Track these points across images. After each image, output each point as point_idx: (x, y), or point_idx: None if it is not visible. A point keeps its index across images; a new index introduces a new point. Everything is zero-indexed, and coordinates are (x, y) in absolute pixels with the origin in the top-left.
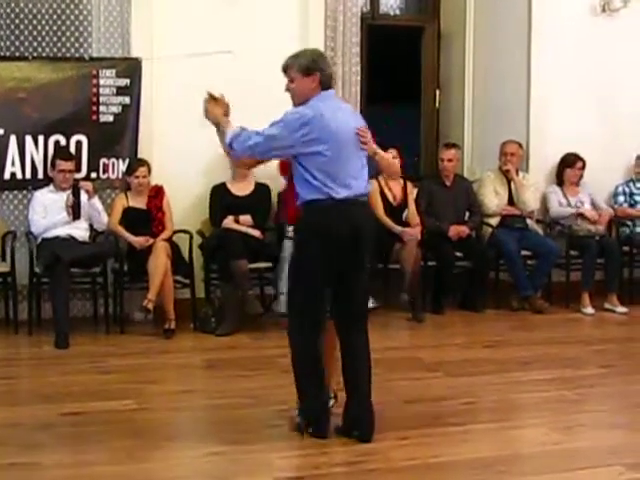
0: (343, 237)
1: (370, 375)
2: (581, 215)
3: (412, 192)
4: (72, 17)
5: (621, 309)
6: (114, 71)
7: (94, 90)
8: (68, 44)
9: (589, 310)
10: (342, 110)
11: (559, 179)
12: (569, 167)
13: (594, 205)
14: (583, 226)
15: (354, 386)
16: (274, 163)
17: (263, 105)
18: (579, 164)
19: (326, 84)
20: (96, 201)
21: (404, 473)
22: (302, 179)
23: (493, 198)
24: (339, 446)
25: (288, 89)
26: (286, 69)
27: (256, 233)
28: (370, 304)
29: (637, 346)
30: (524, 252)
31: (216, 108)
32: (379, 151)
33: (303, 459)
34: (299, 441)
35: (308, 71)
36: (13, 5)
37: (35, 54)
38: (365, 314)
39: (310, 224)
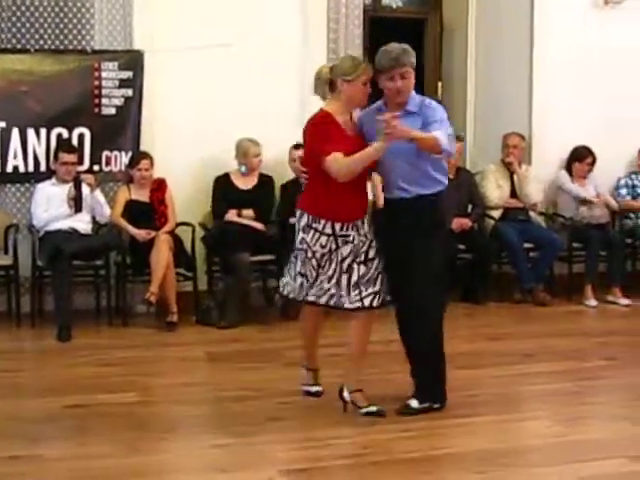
0: None
1: None
2: (583, 202)
3: None
4: (74, 9)
5: (624, 301)
6: (116, 64)
7: (96, 83)
8: (70, 36)
9: (592, 302)
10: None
11: (569, 172)
12: (578, 161)
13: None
14: (585, 213)
15: None
16: (282, 155)
17: (263, 96)
18: (589, 159)
19: None
20: (98, 194)
21: (406, 465)
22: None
23: (495, 190)
24: (342, 439)
25: (399, 84)
26: (404, 63)
27: (259, 226)
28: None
29: (639, 338)
30: (526, 244)
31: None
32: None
33: (306, 451)
34: (302, 433)
35: (413, 67)
36: None
37: (37, 47)
38: None
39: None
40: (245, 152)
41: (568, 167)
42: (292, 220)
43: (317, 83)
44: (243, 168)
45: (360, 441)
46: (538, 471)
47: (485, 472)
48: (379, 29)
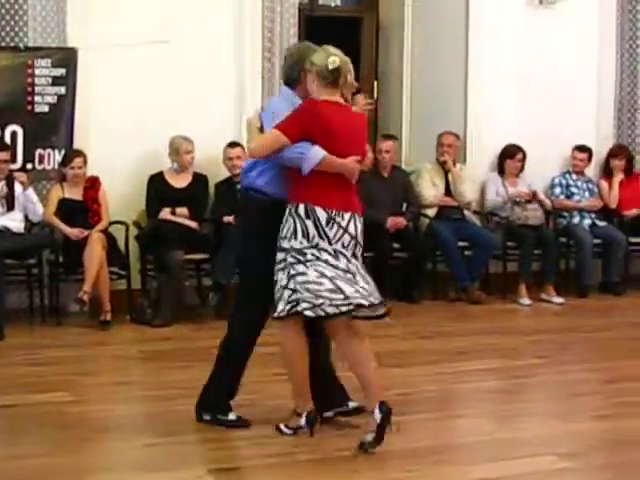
0: None
1: None
2: (516, 203)
3: None
4: (7, 6)
5: (558, 299)
6: (50, 61)
7: (29, 80)
8: (3, 33)
9: (526, 301)
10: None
11: (500, 170)
12: (510, 158)
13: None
14: (519, 214)
15: None
16: (217, 153)
17: (198, 94)
18: (519, 155)
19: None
20: (31, 192)
21: (336, 464)
22: None
23: (430, 189)
24: (272, 437)
25: None
26: None
27: (192, 224)
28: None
29: (572, 336)
30: (461, 243)
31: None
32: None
33: (236, 451)
34: (232, 433)
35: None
36: None
37: None
38: None
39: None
40: (177, 149)
41: (500, 165)
42: (226, 219)
43: None
44: (175, 165)
45: (290, 440)
46: (469, 468)
47: (415, 470)
48: (316, 29)
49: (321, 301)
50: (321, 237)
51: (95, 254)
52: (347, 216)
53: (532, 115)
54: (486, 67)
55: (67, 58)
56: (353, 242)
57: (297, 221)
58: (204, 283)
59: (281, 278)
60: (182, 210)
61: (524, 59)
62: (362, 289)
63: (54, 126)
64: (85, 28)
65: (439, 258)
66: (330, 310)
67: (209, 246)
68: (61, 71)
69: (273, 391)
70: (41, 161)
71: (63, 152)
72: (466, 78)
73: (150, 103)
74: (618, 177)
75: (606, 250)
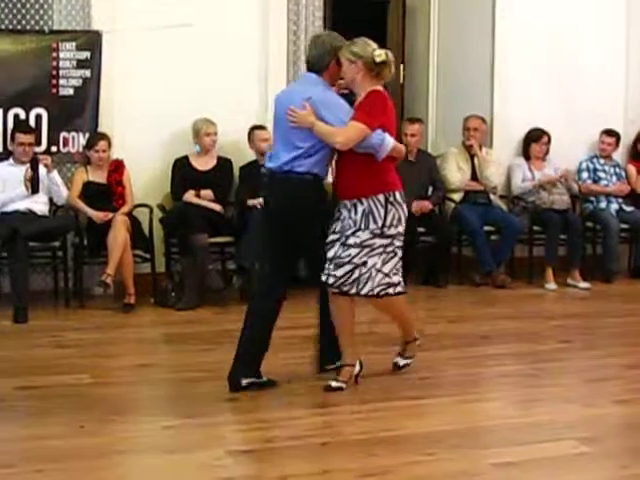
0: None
1: None
2: (543, 187)
3: None
4: None
5: (583, 284)
6: (74, 44)
7: (54, 63)
8: (28, 16)
9: (552, 285)
10: (291, 91)
11: (525, 154)
12: (535, 142)
13: None
14: (546, 198)
15: None
16: (242, 136)
17: (223, 77)
18: (544, 139)
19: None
20: (55, 175)
21: (355, 447)
22: None
23: (456, 173)
24: (292, 420)
25: None
26: None
27: (217, 207)
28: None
29: (597, 321)
30: (487, 227)
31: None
32: (317, 123)
33: (256, 432)
34: (253, 415)
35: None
36: None
37: None
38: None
39: None
40: (198, 131)
41: (525, 149)
42: (250, 202)
43: None
44: (197, 147)
45: (310, 422)
46: (489, 452)
47: (434, 454)
48: (341, 11)
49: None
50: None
51: (119, 237)
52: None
53: (559, 99)
54: (513, 51)
55: (92, 41)
56: None
57: (398, 208)
58: (228, 266)
59: (376, 262)
60: (207, 192)
61: (551, 42)
62: None
63: (79, 109)
64: (110, 11)
65: (464, 242)
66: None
67: (233, 229)
68: (86, 54)
69: (294, 375)
70: (65, 144)
71: (87, 135)
72: (492, 62)
73: (175, 86)
74: None
75: (634, 235)
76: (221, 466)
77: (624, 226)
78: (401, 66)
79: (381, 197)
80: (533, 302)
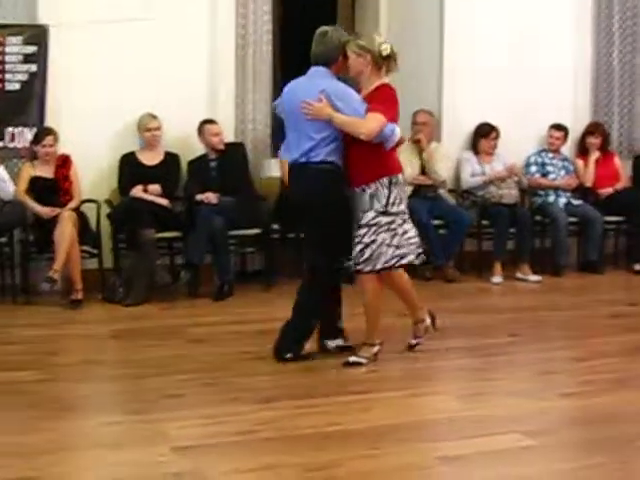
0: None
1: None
2: (491, 181)
3: None
4: None
5: (533, 278)
6: (21, 38)
7: (0, 57)
8: None
9: (498, 279)
10: (301, 84)
11: (474, 149)
12: (483, 137)
13: None
14: (494, 192)
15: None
16: (190, 131)
17: (171, 73)
18: (493, 134)
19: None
20: (1, 170)
21: (300, 442)
22: None
23: (405, 168)
24: (236, 415)
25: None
26: None
27: (164, 202)
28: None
29: (545, 315)
30: (436, 221)
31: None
32: (335, 115)
33: (199, 428)
34: (197, 410)
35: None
36: None
37: None
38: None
39: None
40: (139, 125)
41: (474, 144)
42: (199, 197)
43: None
44: (140, 142)
45: (254, 418)
46: (434, 446)
47: (379, 448)
48: (291, 5)
49: (421, 250)
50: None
51: (66, 232)
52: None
53: (508, 93)
54: (461, 45)
55: (38, 35)
56: None
57: (400, 189)
58: (176, 261)
59: (384, 238)
60: (154, 187)
61: (501, 37)
62: None
63: (25, 104)
64: (56, 5)
65: None
66: (422, 257)
67: (181, 225)
68: (32, 49)
69: (239, 370)
70: (12, 139)
71: (34, 130)
72: (441, 56)
73: (122, 82)
74: (594, 155)
75: (582, 229)
76: (166, 462)
77: (572, 219)
78: None
79: (385, 180)
80: (483, 296)
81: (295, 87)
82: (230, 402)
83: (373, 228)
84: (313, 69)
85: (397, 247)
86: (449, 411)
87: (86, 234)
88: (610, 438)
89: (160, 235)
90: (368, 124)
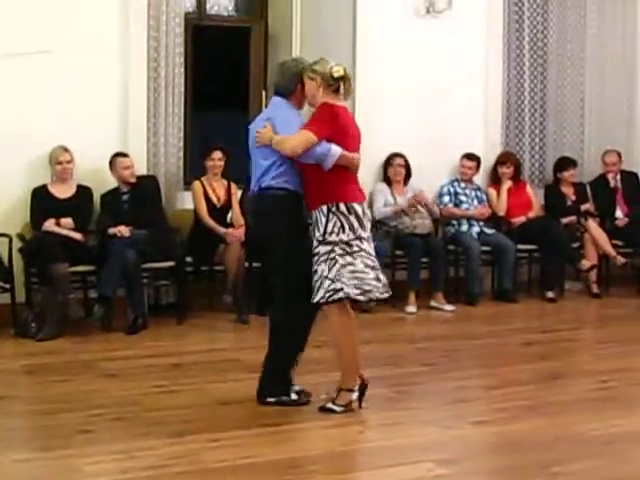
0: None
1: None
2: (404, 212)
3: (236, 193)
4: None
5: (448, 307)
6: None
7: None
8: None
9: (412, 309)
10: (258, 117)
11: (386, 179)
12: (390, 165)
13: None
14: (408, 223)
15: None
16: (102, 163)
17: (82, 105)
18: (399, 160)
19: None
20: None
21: (212, 475)
22: None
23: None
24: (148, 450)
25: None
26: None
27: (77, 236)
28: None
29: (459, 343)
30: None
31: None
32: (273, 136)
33: (111, 464)
34: (109, 446)
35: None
36: None
37: None
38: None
39: None
40: (50, 158)
41: (385, 174)
42: (112, 230)
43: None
44: (52, 174)
45: (167, 452)
46: (345, 477)
47: None
48: (203, 37)
49: (369, 288)
50: (362, 228)
51: None
52: (366, 205)
53: (420, 123)
54: (374, 75)
55: None
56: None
57: (341, 218)
58: (90, 295)
59: (323, 269)
60: (67, 221)
61: (412, 68)
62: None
63: None
64: None
65: None
66: (377, 296)
67: (94, 258)
68: None
69: (152, 404)
70: None
71: None
72: (354, 86)
73: (34, 114)
74: (506, 185)
75: (496, 258)
76: None
77: (486, 248)
78: (263, 92)
79: (324, 207)
80: (396, 325)
81: (255, 120)
82: (142, 437)
83: (315, 257)
84: (271, 100)
85: (332, 280)
86: (361, 441)
87: None
88: (524, 465)
89: (73, 269)
90: (291, 140)
